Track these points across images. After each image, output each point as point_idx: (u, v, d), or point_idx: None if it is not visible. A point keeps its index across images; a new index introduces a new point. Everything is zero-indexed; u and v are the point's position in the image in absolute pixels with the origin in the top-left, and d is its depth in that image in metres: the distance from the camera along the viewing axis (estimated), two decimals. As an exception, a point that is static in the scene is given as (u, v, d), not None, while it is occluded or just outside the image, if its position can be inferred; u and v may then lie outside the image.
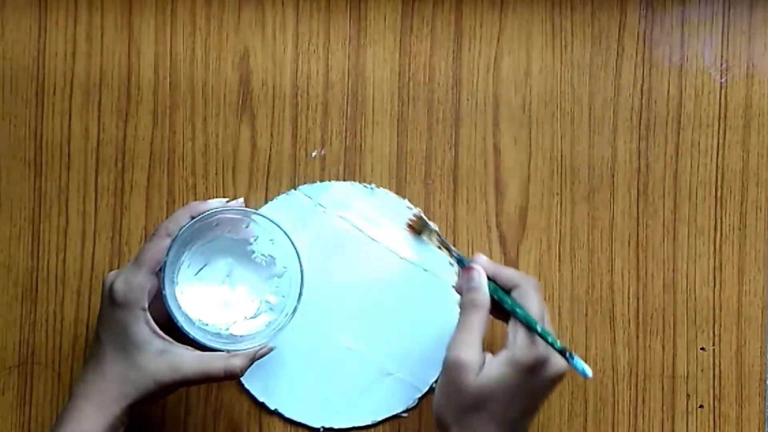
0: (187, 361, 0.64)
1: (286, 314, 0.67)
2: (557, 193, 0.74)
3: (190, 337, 0.65)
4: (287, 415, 0.73)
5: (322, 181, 0.74)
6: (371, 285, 0.73)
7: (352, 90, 0.75)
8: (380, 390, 0.72)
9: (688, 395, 0.74)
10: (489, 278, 0.65)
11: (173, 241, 0.64)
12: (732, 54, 0.75)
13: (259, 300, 0.70)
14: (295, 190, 0.74)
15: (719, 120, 0.75)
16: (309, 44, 0.75)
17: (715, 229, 0.74)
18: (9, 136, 0.74)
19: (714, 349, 0.74)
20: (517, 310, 0.63)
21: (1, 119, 0.74)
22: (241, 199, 0.69)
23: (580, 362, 0.62)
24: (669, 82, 0.75)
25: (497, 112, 0.75)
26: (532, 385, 0.62)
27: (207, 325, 0.69)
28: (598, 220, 0.74)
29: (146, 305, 0.64)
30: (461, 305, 0.65)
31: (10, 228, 0.74)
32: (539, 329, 0.62)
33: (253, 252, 0.70)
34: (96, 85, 0.74)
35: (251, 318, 0.70)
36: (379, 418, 0.73)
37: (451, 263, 0.71)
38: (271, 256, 0.70)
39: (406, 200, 0.74)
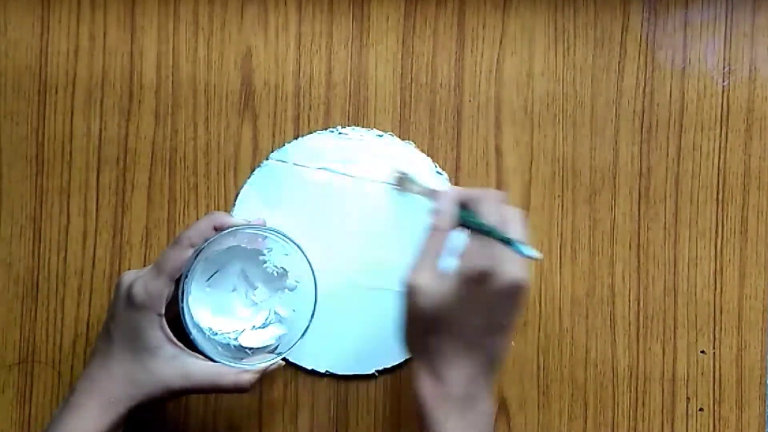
0: (197, 369, 0.64)
1: (298, 332, 0.67)
2: (559, 195, 0.74)
3: (202, 351, 0.65)
4: (340, 372, 0.73)
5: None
6: (373, 220, 0.73)
7: (354, 90, 0.75)
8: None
9: (688, 398, 0.74)
10: (460, 205, 0.64)
11: (197, 254, 0.65)
12: (734, 57, 0.75)
13: (268, 310, 0.71)
14: (267, 160, 0.74)
15: (721, 123, 0.75)
16: (311, 44, 0.75)
17: (716, 232, 0.74)
18: (11, 134, 0.74)
19: (714, 352, 0.74)
20: (468, 218, 0.62)
21: (3, 117, 0.74)
22: (262, 219, 0.70)
23: (520, 246, 0.59)
24: (671, 85, 0.75)
25: (499, 114, 0.75)
26: (484, 297, 0.60)
27: (216, 334, 0.69)
28: (600, 223, 0.74)
29: (163, 311, 0.65)
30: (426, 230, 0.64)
31: (11, 226, 0.74)
32: (484, 226, 0.60)
33: (265, 262, 0.70)
34: (98, 84, 0.74)
35: (260, 328, 0.70)
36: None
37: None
38: (284, 269, 0.70)
39: (374, 129, 0.74)
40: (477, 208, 0.63)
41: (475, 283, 0.60)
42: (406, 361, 0.73)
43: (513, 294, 0.60)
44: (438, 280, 0.61)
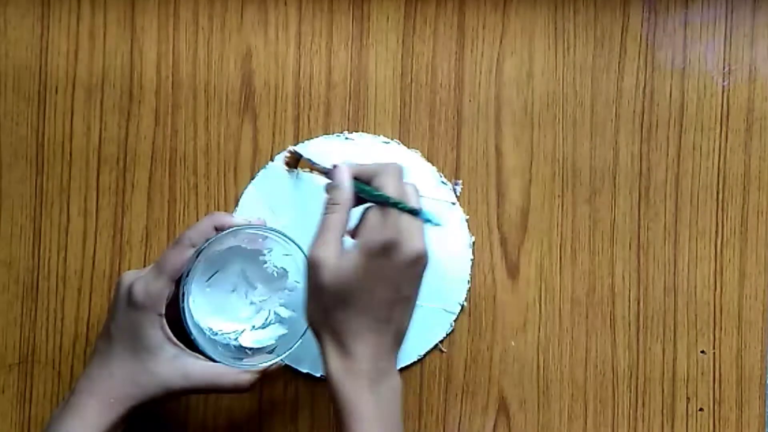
0: (197, 370, 0.64)
1: (298, 333, 0.67)
2: (559, 195, 0.74)
3: (203, 351, 0.65)
4: None
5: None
6: None
7: (354, 90, 0.75)
8: (416, 324, 0.72)
9: (688, 398, 0.74)
10: (356, 179, 0.64)
11: (198, 254, 0.65)
12: (734, 57, 0.75)
13: (268, 310, 0.71)
14: (272, 161, 0.74)
15: (721, 123, 0.75)
16: (311, 44, 0.75)
17: (716, 232, 0.74)
18: (11, 135, 0.74)
19: (714, 353, 0.74)
20: (369, 191, 0.62)
21: (3, 117, 0.74)
22: (263, 219, 0.70)
23: (426, 213, 0.60)
24: (671, 85, 0.75)
25: (499, 114, 0.74)
26: (389, 270, 0.60)
27: (216, 334, 0.69)
28: (600, 223, 0.74)
29: (163, 311, 0.65)
30: (324, 206, 0.64)
31: (11, 226, 0.74)
32: (388, 200, 0.60)
33: (265, 262, 0.70)
34: (98, 84, 0.74)
35: (260, 328, 0.70)
36: (424, 352, 0.73)
37: (326, 173, 0.69)
38: (284, 269, 0.70)
39: (381, 136, 0.74)
40: (376, 181, 0.62)
41: (379, 256, 0.60)
42: (402, 369, 0.73)
43: (416, 265, 0.61)
44: (341, 255, 0.61)
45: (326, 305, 0.61)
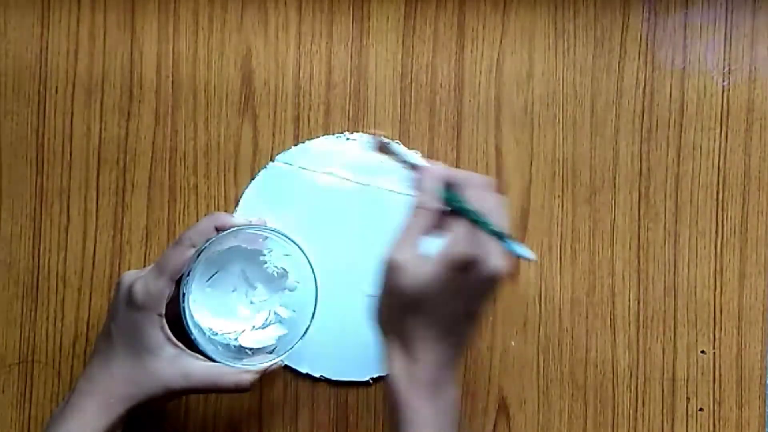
0: (198, 370, 0.64)
1: (298, 333, 0.67)
2: (558, 195, 0.74)
3: (203, 351, 0.65)
4: (334, 378, 0.73)
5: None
6: (377, 227, 0.73)
7: (354, 90, 0.75)
8: None
9: (688, 398, 0.74)
10: (445, 184, 0.62)
11: (198, 255, 0.65)
12: (734, 57, 0.75)
13: (268, 310, 0.71)
14: (273, 161, 0.74)
15: (721, 123, 0.75)
16: (311, 44, 0.75)
17: (716, 232, 0.74)
18: (11, 135, 0.74)
19: (714, 352, 0.74)
20: (459, 204, 0.61)
21: (3, 117, 0.74)
22: (264, 219, 0.70)
23: (517, 246, 0.59)
24: (671, 85, 0.75)
25: (499, 114, 0.74)
26: (467, 284, 0.59)
27: (216, 334, 0.69)
28: (600, 223, 0.74)
29: (163, 311, 0.65)
30: (409, 208, 0.63)
31: (11, 226, 0.74)
32: (478, 217, 0.59)
33: (265, 262, 0.70)
34: (98, 84, 0.74)
35: (260, 328, 0.70)
36: None
37: (412, 167, 0.67)
38: (284, 270, 0.70)
39: (382, 137, 0.74)
40: (462, 191, 0.61)
41: (459, 270, 0.59)
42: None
43: (493, 284, 0.60)
44: (420, 260, 0.60)
45: (399, 308, 0.60)
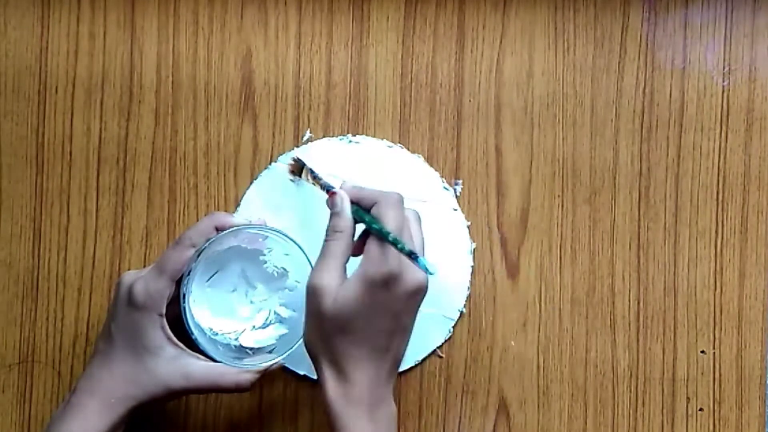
0: (198, 370, 0.65)
1: (298, 333, 0.67)
2: (558, 195, 0.74)
3: (203, 351, 0.65)
4: None
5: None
6: None
7: (354, 90, 0.75)
8: (414, 330, 0.72)
9: (688, 398, 0.74)
10: (353, 202, 0.64)
11: (198, 255, 0.65)
12: (734, 57, 0.75)
13: (268, 310, 0.71)
14: (275, 162, 0.74)
15: (721, 123, 0.75)
16: (311, 44, 0.75)
17: (716, 232, 0.74)
18: (11, 135, 0.74)
19: (714, 353, 0.74)
20: (370, 223, 0.62)
21: (3, 117, 0.74)
22: (263, 219, 0.70)
23: (423, 261, 0.59)
24: (671, 85, 0.75)
25: (499, 114, 0.75)
26: (389, 301, 0.60)
27: (217, 334, 0.69)
28: (600, 223, 0.74)
29: (164, 311, 0.65)
30: (326, 232, 0.64)
31: (11, 226, 0.74)
32: (388, 236, 0.60)
33: (265, 262, 0.70)
34: (98, 84, 0.74)
35: (260, 328, 0.70)
36: (421, 357, 0.73)
37: (327, 191, 0.69)
38: (284, 269, 0.70)
39: (385, 141, 0.74)
40: (376, 211, 0.63)
41: (380, 287, 0.60)
42: (401, 372, 0.73)
43: (416, 295, 0.61)
44: (342, 283, 0.61)
45: (326, 332, 0.61)
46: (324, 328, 0.61)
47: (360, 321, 0.61)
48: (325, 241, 0.64)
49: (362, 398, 0.61)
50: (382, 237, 0.61)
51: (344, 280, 0.62)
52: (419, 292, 0.62)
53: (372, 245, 0.62)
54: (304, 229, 0.71)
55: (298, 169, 0.72)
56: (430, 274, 0.60)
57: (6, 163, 0.74)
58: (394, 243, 0.60)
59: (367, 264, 0.61)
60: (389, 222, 0.62)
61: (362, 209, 0.64)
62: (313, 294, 0.62)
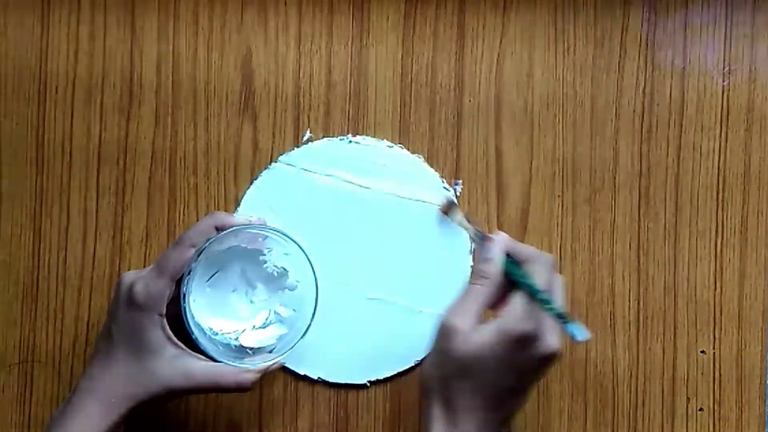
0: (199, 369, 0.64)
1: (299, 332, 0.67)
2: (559, 195, 0.74)
3: (204, 351, 0.65)
4: (332, 380, 0.73)
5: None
6: (378, 231, 0.73)
7: (354, 90, 0.75)
8: (414, 330, 0.72)
9: (688, 398, 0.74)
10: (507, 254, 0.64)
11: (198, 255, 0.65)
12: (734, 57, 0.75)
13: (268, 310, 0.71)
14: (275, 162, 0.74)
15: (721, 123, 0.75)
16: (311, 44, 0.75)
17: (716, 232, 0.74)
18: (11, 135, 0.74)
19: (714, 352, 0.74)
20: (520, 278, 0.62)
21: (3, 117, 0.74)
22: (264, 219, 0.70)
23: (573, 326, 0.59)
24: (671, 85, 0.75)
25: (499, 114, 0.75)
26: (521, 360, 0.60)
27: (217, 334, 0.69)
28: (599, 223, 0.74)
29: (164, 311, 0.65)
30: (471, 274, 0.64)
31: (11, 226, 0.74)
32: (538, 295, 0.60)
33: (265, 262, 0.70)
34: (98, 84, 0.74)
35: (260, 328, 0.70)
36: (421, 357, 0.73)
37: (473, 239, 0.71)
38: (284, 269, 0.70)
39: (385, 141, 0.74)
40: (529, 267, 0.63)
41: (515, 344, 0.60)
42: (399, 374, 0.73)
43: (548, 363, 0.61)
44: (476, 328, 0.61)
45: (447, 372, 0.61)
46: (445, 368, 0.61)
47: (484, 371, 0.60)
48: (470, 283, 0.64)
49: None
50: (532, 294, 0.61)
51: (478, 326, 0.61)
52: (552, 360, 0.61)
53: (518, 299, 0.61)
54: (304, 229, 0.71)
55: (447, 208, 0.72)
56: (578, 342, 0.59)
57: (6, 163, 0.74)
58: (545, 302, 0.60)
59: (508, 317, 0.61)
60: (541, 281, 0.62)
61: (514, 262, 0.64)
62: (445, 332, 0.61)
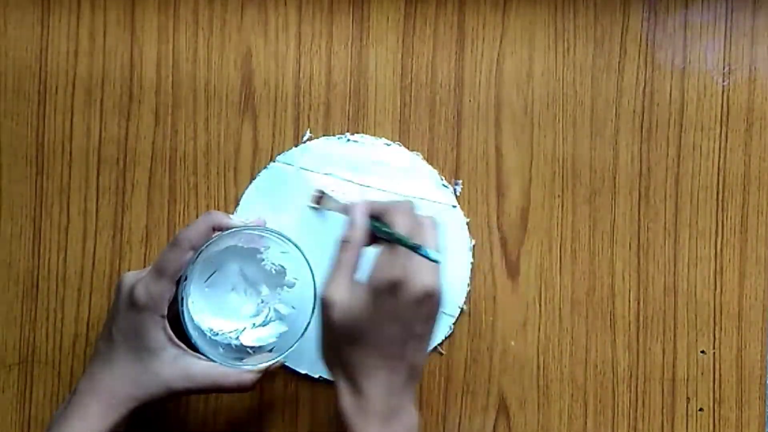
0: (200, 370, 0.65)
1: (298, 330, 0.67)
2: (558, 195, 0.74)
3: (203, 354, 0.65)
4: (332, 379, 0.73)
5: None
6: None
7: (354, 90, 0.75)
8: None
9: (688, 398, 0.74)
10: (371, 216, 0.64)
11: (197, 257, 0.65)
12: (734, 57, 0.75)
13: (267, 308, 0.71)
14: (274, 162, 0.74)
15: (721, 123, 0.75)
16: (311, 44, 0.75)
17: (716, 232, 0.74)
18: (11, 135, 0.74)
19: (714, 353, 0.74)
20: (379, 227, 0.63)
21: (3, 117, 0.74)
22: (262, 219, 0.70)
23: (426, 249, 0.60)
24: (671, 85, 0.75)
25: (499, 114, 0.75)
26: (399, 307, 0.60)
27: (217, 334, 0.69)
28: (599, 223, 0.74)
29: (165, 312, 0.65)
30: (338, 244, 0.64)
31: (11, 226, 0.74)
32: (393, 236, 0.61)
33: (263, 260, 0.70)
34: (98, 84, 0.74)
35: (260, 326, 0.70)
36: None
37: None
38: (282, 267, 0.70)
39: (383, 138, 0.74)
40: (389, 218, 0.63)
41: (386, 294, 0.60)
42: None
43: (425, 301, 0.61)
44: (352, 293, 0.61)
45: (337, 343, 0.62)
46: (335, 339, 0.62)
47: (369, 330, 0.60)
48: (338, 252, 0.64)
49: (375, 409, 0.61)
50: (390, 239, 0.61)
51: (352, 290, 0.61)
52: (429, 298, 0.61)
53: (381, 253, 0.62)
54: (303, 228, 0.71)
55: (319, 200, 0.72)
56: (436, 262, 0.60)
57: (6, 163, 0.74)
58: (399, 240, 0.60)
59: (373, 271, 0.61)
60: (398, 226, 0.62)
61: (377, 220, 0.64)
62: (323, 306, 0.62)
